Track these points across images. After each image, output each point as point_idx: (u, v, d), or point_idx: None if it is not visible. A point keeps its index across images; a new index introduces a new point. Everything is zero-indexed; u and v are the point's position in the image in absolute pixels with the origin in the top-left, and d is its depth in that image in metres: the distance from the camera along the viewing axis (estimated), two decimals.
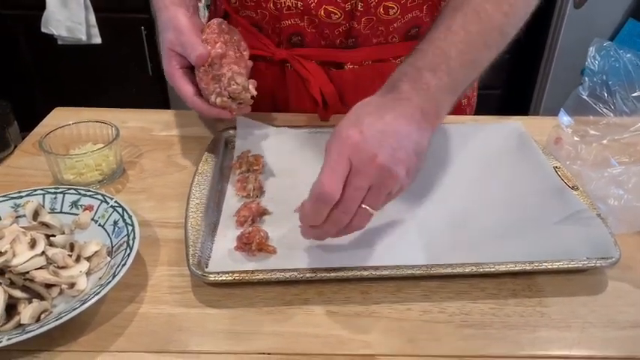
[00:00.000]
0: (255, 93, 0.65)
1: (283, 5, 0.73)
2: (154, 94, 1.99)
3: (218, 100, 0.63)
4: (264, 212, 0.61)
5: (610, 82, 0.78)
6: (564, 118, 0.75)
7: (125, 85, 1.99)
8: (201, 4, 1.72)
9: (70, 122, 0.68)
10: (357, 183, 0.48)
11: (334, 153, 0.49)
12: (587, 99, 0.76)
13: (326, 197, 0.48)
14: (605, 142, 0.72)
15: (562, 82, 1.89)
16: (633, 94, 0.77)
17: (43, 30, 1.85)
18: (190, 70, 0.66)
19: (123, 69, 1.97)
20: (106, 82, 2.00)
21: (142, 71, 1.96)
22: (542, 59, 1.90)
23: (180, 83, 0.65)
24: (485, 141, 0.72)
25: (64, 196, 0.59)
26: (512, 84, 2.06)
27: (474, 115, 0.91)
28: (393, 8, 0.73)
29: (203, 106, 0.65)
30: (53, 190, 0.59)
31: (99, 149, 0.65)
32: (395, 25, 0.75)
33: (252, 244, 0.55)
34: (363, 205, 0.49)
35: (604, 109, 0.76)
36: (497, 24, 0.58)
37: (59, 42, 1.88)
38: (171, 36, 0.64)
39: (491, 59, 0.60)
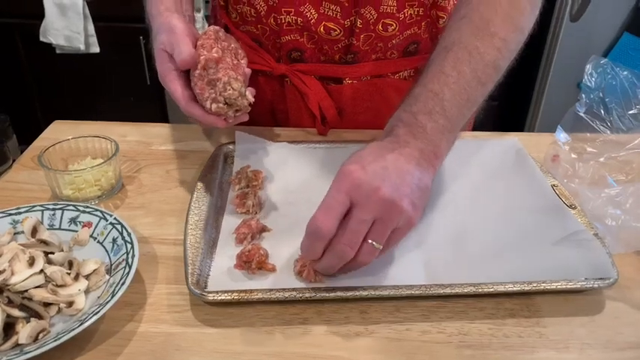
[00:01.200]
0: (252, 100, 0.62)
1: (283, 21, 0.74)
2: (152, 103, 1.99)
3: (214, 106, 0.60)
4: (263, 229, 0.61)
5: (607, 100, 0.79)
6: (561, 135, 0.75)
7: (123, 95, 1.99)
8: (199, 15, 1.73)
9: (69, 137, 0.68)
10: (361, 216, 0.49)
11: (333, 189, 0.50)
12: (584, 116, 0.77)
13: (318, 233, 0.49)
14: (602, 159, 0.73)
15: (559, 94, 1.90)
16: (630, 112, 0.78)
17: (42, 39, 1.85)
18: (185, 72, 0.63)
19: (121, 78, 1.97)
20: (104, 91, 2.00)
21: (140, 81, 1.96)
22: (538, 71, 1.92)
23: (174, 85, 0.61)
24: (483, 157, 0.72)
25: (62, 213, 0.59)
26: (510, 96, 2.07)
27: (473, 129, 0.92)
28: (392, 25, 0.74)
29: (198, 112, 0.61)
30: (52, 207, 0.59)
31: (98, 165, 0.65)
32: (394, 41, 0.76)
33: (251, 262, 0.55)
34: (369, 241, 0.49)
35: (601, 127, 0.76)
36: (490, 60, 0.58)
37: (57, 51, 1.88)
38: (164, 37, 0.62)
39: (487, 93, 0.60)
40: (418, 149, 0.53)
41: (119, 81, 1.98)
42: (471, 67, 0.57)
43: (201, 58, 0.59)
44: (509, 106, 2.09)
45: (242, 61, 0.67)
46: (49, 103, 2.03)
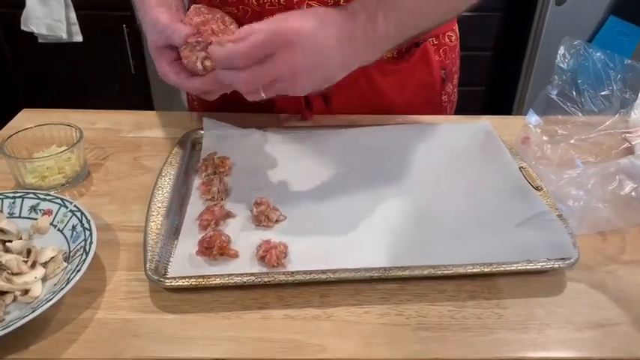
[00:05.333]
0: None
1: (266, 1, 0.72)
2: (137, 91, 1.97)
3: (206, 63, 0.60)
4: (227, 215, 0.61)
5: (579, 81, 0.78)
6: (533, 118, 0.75)
7: (107, 83, 1.98)
8: None
9: (32, 125, 0.67)
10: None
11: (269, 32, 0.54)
12: (556, 98, 0.77)
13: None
14: (572, 141, 0.72)
15: (545, 78, 1.89)
16: (602, 93, 0.77)
17: (23, 28, 1.82)
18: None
19: (105, 67, 1.95)
20: (88, 80, 1.98)
21: (124, 69, 1.94)
22: (524, 56, 1.91)
23: (175, 77, 0.62)
24: (452, 140, 0.72)
25: (22, 201, 0.58)
26: (496, 81, 2.06)
27: (456, 111, 0.91)
28: None
29: (198, 83, 0.62)
30: (12, 195, 0.58)
31: (61, 152, 0.64)
32: None
33: (213, 248, 0.55)
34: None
35: (572, 109, 0.76)
36: None
37: (40, 40, 1.86)
38: (152, 35, 0.63)
39: (436, 23, 0.68)
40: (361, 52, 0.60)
41: (103, 70, 1.96)
42: None
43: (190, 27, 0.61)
44: (496, 91, 2.09)
45: (231, 26, 0.66)
46: (32, 93, 2.01)
